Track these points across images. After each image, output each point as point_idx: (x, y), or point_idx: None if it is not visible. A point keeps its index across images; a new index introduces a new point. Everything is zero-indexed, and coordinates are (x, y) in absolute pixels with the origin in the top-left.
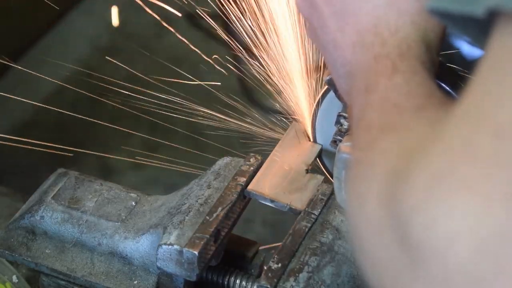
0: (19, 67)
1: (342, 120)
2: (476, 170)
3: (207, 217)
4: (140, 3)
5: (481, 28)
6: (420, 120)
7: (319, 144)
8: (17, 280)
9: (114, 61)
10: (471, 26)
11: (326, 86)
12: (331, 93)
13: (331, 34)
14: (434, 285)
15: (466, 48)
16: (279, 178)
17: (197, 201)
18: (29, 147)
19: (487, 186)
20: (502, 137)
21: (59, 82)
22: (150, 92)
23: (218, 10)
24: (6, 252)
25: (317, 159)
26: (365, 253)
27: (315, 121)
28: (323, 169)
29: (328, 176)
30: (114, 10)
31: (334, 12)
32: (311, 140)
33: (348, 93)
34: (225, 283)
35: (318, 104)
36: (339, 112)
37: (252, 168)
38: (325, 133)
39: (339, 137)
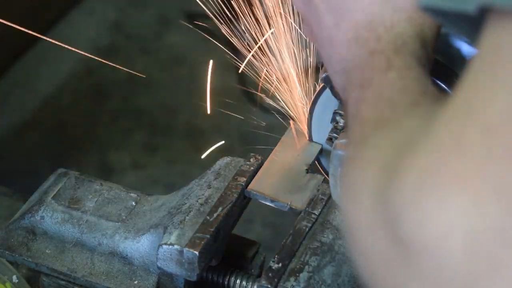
0: (19, 67)
1: (338, 118)
2: (466, 166)
3: (208, 217)
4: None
5: (473, 25)
6: (413, 116)
7: (319, 143)
8: (17, 280)
9: (114, 61)
10: (464, 23)
11: (322, 84)
12: (327, 91)
13: (327, 30)
14: (428, 283)
15: (466, 48)
16: (279, 178)
17: (197, 201)
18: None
19: (478, 181)
20: (492, 133)
21: (59, 82)
22: (150, 92)
23: (218, 10)
24: (6, 252)
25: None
26: (359, 251)
27: (311, 120)
28: (319, 168)
29: (324, 174)
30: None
31: (329, 8)
32: (309, 139)
33: (344, 89)
34: (225, 283)
35: (314, 102)
36: (335, 110)
37: (252, 168)
38: (322, 131)
39: (334, 135)
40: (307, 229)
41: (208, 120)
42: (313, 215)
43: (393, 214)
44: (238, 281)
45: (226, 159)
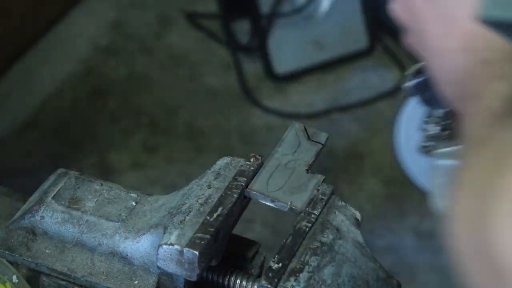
0: (19, 67)
1: (427, 126)
2: None
3: (208, 217)
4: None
5: None
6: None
7: (320, 143)
8: (17, 280)
9: (114, 61)
10: None
11: (408, 91)
12: (413, 98)
13: (435, 40)
14: None
15: None
16: (279, 178)
17: (197, 201)
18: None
19: None
20: None
21: (59, 82)
22: (150, 92)
23: (218, 10)
24: (6, 252)
25: (402, 164)
26: (465, 275)
27: (397, 128)
28: (409, 177)
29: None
30: (114, 10)
31: (437, 17)
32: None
33: (455, 100)
34: (225, 283)
35: (401, 109)
36: (424, 117)
37: (252, 168)
38: (409, 139)
39: (426, 144)
40: (307, 229)
41: (208, 120)
42: (313, 215)
43: (489, 243)
44: (238, 281)
45: (226, 159)
